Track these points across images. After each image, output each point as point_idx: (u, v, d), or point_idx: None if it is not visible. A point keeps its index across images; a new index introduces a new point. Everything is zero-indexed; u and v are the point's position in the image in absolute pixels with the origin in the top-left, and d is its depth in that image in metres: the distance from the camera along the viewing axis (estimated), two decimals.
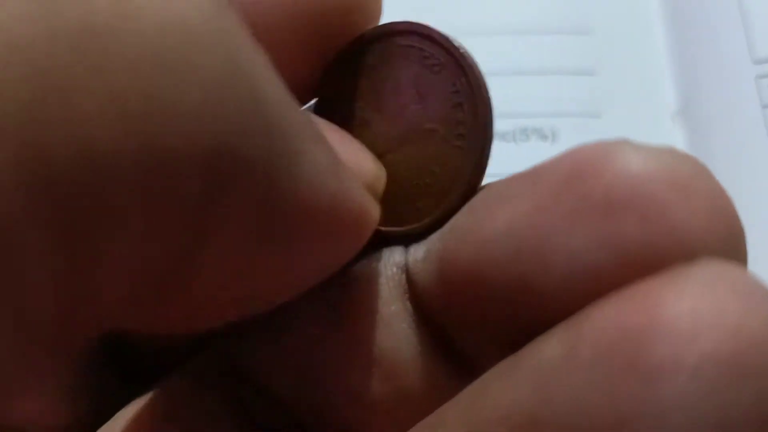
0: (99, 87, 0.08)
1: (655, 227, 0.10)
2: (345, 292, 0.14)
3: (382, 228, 0.14)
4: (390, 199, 0.14)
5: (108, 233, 0.09)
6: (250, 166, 0.10)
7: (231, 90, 0.10)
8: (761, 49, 0.32)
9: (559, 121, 0.29)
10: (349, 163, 0.12)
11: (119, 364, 0.15)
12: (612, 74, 0.31)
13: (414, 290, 0.14)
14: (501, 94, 0.30)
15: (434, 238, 0.14)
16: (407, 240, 0.14)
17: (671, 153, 0.11)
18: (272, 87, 0.10)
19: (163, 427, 0.14)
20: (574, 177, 0.11)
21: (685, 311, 0.09)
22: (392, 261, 0.14)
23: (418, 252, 0.14)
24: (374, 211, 0.13)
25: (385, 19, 0.15)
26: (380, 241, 0.14)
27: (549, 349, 0.10)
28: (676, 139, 0.29)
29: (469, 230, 0.12)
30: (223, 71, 0.09)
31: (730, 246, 0.10)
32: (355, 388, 0.14)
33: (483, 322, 0.12)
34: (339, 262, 0.13)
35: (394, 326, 0.13)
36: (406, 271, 0.14)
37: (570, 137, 0.29)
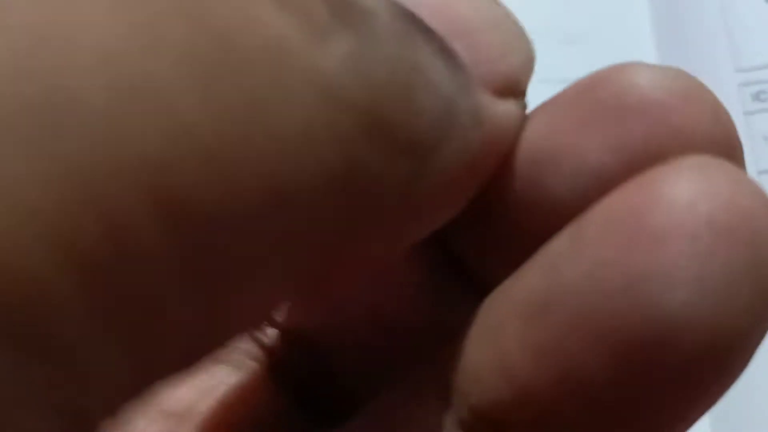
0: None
1: (660, 129, 0.11)
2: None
3: None
4: None
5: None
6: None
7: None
8: (743, 58, 0.33)
9: None
10: (485, 71, 0.11)
11: None
12: None
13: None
14: None
15: None
16: None
17: (678, 70, 0.11)
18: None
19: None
20: (588, 89, 0.12)
21: (683, 187, 0.10)
22: None
23: None
24: (514, 122, 0.12)
25: None
26: None
27: (557, 241, 0.11)
28: None
29: None
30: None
31: (730, 149, 0.11)
32: (374, 314, 0.14)
33: (497, 238, 0.12)
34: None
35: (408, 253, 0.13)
36: None
37: None
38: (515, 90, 0.12)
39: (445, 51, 0.10)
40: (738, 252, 0.09)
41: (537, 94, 0.33)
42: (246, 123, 0.08)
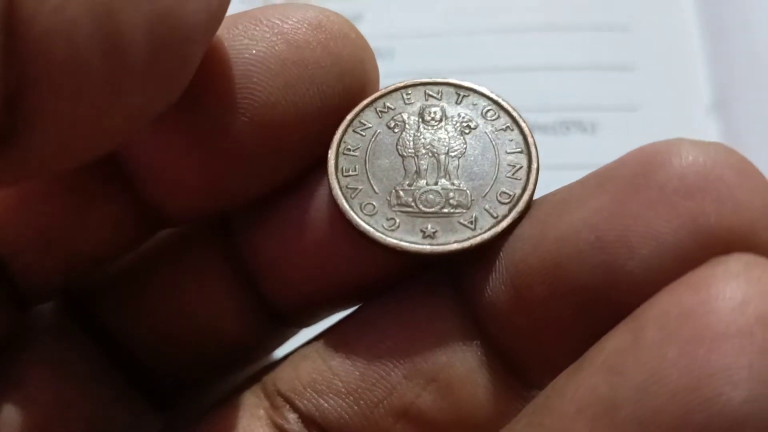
0: None
1: (727, 206, 0.12)
2: (395, 313, 0.15)
3: (430, 248, 0.14)
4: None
5: None
6: None
7: None
8: None
9: (598, 115, 0.30)
10: None
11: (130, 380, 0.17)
12: (649, 69, 0.32)
13: (475, 307, 0.14)
14: (543, 89, 0.31)
15: (493, 254, 0.14)
16: (454, 260, 0.14)
17: (719, 145, 0.12)
18: None
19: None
20: (646, 170, 0.12)
21: (733, 287, 0.11)
22: (440, 282, 0.15)
23: (473, 270, 0.14)
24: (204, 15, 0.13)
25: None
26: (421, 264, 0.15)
27: (614, 341, 0.11)
28: (710, 132, 0.30)
29: (541, 234, 0.13)
30: None
31: None
32: (403, 405, 0.14)
33: (557, 325, 0.13)
34: None
35: (450, 342, 0.14)
36: (463, 290, 0.14)
37: (609, 130, 0.30)
38: None
39: None
40: None
41: (587, 80, 0.32)
42: None
